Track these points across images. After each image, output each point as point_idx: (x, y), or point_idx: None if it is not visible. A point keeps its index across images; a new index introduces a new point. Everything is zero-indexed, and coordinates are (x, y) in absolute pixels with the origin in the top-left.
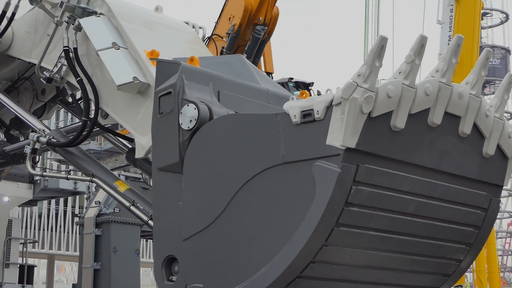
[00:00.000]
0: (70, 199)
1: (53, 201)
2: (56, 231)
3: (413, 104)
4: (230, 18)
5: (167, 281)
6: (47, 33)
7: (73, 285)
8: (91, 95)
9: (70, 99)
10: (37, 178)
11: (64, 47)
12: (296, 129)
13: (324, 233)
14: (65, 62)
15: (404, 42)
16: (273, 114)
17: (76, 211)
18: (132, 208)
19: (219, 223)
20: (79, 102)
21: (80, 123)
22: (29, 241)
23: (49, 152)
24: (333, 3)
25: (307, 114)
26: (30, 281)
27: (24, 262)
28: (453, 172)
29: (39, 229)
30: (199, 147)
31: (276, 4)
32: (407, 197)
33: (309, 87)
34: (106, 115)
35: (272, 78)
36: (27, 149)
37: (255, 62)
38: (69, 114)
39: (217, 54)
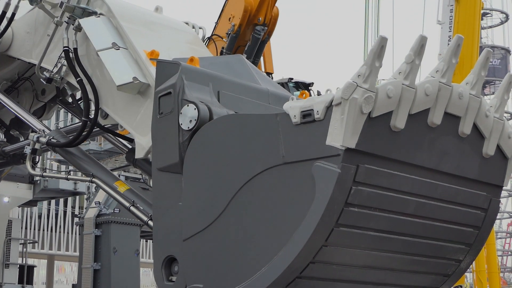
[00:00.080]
0: (70, 199)
1: (53, 201)
2: (56, 231)
3: (413, 104)
4: (230, 18)
5: (167, 281)
6: (47, 33)
7: (73, 285)
8: (91, 95)
9: (70, 99)
10: (37, 178)
11: (64, 47)
12: (296, 129)
13: (324, 233)
14: (65, 63)
15: (404, 42)
16: (273, 114)
17: (76, 212)
18: (132, 208)
19: (219, 223)
20: (79, 102)
21: (80, 123)
22: (29, 241)
23: (49, 153)
24: (333, 3)
25: (307, 115)
26: (30, 281)
27: (24, 262)
28: (453, 172)
29: (39, 230)
30: (199, 147)
31: (276, 4)
32: (407, 197)
33: (309, 87)
34: (106, 115)
35: (272, 78)
36: (27, 150)
37: (255, 62)
38: (69, 115)
39: (217, 55)
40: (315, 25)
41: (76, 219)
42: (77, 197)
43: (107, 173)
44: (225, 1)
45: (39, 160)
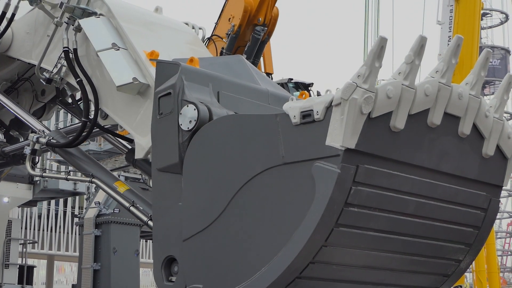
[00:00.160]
0: (69, 199)
1: (52, 201)
2: (55, 231)
3: (412, 104)
4: (229, 18)
5: (167, 281)
6: (47, 33)
7: (73, 285)
8: (90, 96)
9: (69, 100)
10: (37, 178)
11: (63, 48)
12: (296, 130)
13: (323, 234)
14: (65, 63)
15: (403, 42)
16: (273, 114)
17: (76, 212)
18: (131, 208)
19: (219, 223)
20: (78, 102)
21: (80, 123)
22: (28, 241)
23: (48, 153)
24: (333, 3)
25: (306, 115)
26: (29, 281)
27: (24, 262)
28: (453, 172)
29: (38, 230)
30: (199, 147)
31: (276, 5)
32: (407, 197)
33: (309, 88)
34: (105, 116)
35: (271, 78)
36: (27, 150)
37: (255, 62)
38: (69, 115)
39: (216, 55)
40: (315, 25)
41: (76, 219)
42: (77, 197)
43: (106, 173)
44: (225, 2)
45: (38, 160)
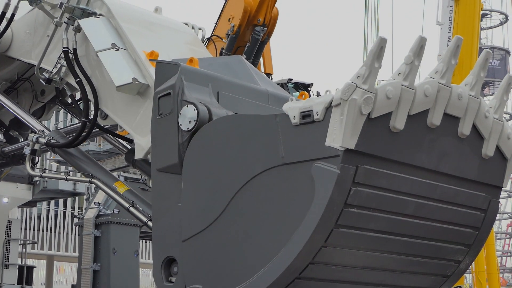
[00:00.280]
0: (69, 200)
1: (52, 202)
2: (55, 232)
3: (412, 105)
4: (229, 19)
5: (167, 282)
6: (47, 34)
7: (72, 286)
8: (90, 96)
9: (69, 100)
10: (37, 179)
11: (63, 48)
12: (296, 130)
13: (323, 234)
14: (65, 63)
15: (403, 43)
16: (273, 115)
17: (76, 212)
18: (131, 209)
19: (219, 224)
20: (78, 103)
21: (80, 124)
22: (28, 242)
23: (48, 153)
24: (333, 3)
25: (306, 115)
26: (29, 282)
27: (24, 263)
28: (452, 173)
29: (38, 230)
30: (199, 148)
31: (275, 5)
32: (406, 198)
33: (309, 88)
34: (105, 116)
35: (271, 79)
36: (27, 150)
37: (255, 63)
38: (69, 115)
39: (216, 55)
40: (315, 25)
41: (75, 220)
42: (77, 197)
43: (106, 173)
44: (225, 2)
45: (38, 160)
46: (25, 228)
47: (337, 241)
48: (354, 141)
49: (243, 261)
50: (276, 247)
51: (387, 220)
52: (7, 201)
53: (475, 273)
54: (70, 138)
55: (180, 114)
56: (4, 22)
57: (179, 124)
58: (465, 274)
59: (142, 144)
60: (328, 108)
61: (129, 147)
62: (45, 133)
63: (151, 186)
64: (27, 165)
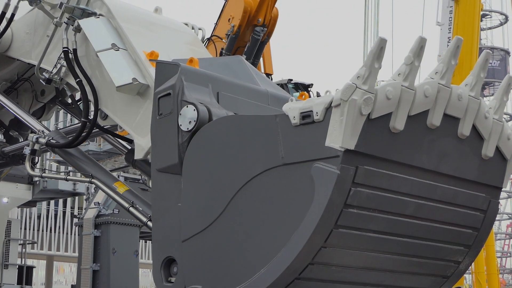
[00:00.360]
0: (69, 200)
1: (52, 202)
2: (55, 232)
3: (412, 105)
4: (229, 19)
5: (166, 282)
6: (47, 34)
7: (72, 286)
8: (90, 96)
9: (69, 100)
10: (36, 179)
11: (63, 48)
12: (295, 131)
13: (323, 235)
14: (65, 63)
15: (403, 43)
16: (272, 115)
17: (75, 212)
18: (131, 209)
19: (218, 224)
20: (78, 103)
21: (80, 124)
22: (28, 242)
23: (48, 153)
24: (333, 3)
25: (306, 116)
26: (29, 282)
27: (23, 263)
28: (452, 174)
29: (38, 230)
30: (198, 148)
31: (275, 5)
32: (406, 198)
33: (309, 89)
34: (105, 116)
35: (271, 79)
36: (27, 150)
37: (255, 63)
38: (69, 115)
39: (216, 55)
40: (315, 25)
41: (75, 220)
42: (76, 197)
43: (106, 174)
44: (225, 2)
45: (38, 160)
46: (25, 228)
47: (336, 242)
48: (354, 142)
49: (243, 262)
50: (276, 248)
51: (386, 220)
52: (7, 201)
53: (475, 273)
54: (70, 138)
55: (180, 114)
56: (4, 22)
57: (179, 124)
58: (464, 275)
59: (142, 144)
60: (328, 109)
61: (129, 147)
62: (45, 133)
63: (151, 186)
64: (27, 165)
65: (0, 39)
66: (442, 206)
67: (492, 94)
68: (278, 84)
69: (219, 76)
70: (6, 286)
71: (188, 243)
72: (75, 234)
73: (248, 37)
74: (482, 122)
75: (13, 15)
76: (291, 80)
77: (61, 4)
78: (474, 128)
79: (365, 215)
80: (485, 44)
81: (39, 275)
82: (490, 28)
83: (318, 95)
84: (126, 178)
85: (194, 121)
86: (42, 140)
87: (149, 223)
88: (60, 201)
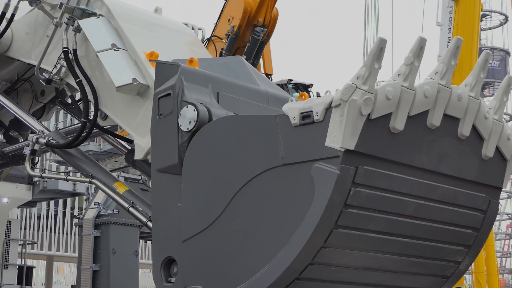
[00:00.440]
0: (69, 200)
1: (52, 202)
2: (55, 232)
3: (412, 106)
4: (229, 19)
5: (166, 282)
6: (47, 34)
7: (72, 286)
8: (90, 97)
9: (69, 100)
10: (36, 179)
11: (63, 48)
12: (295, 131)
13: (323, 235)
14: (65, 64)
15: (403, 43)
16: (272, 115)
17: (75, 212)
18: (131, 209)
19: (218, 224)
20: (78, 103)
21: (80, 124)
22: (28, 242)
23: (48, 153)
24: (333, 3)
25: (306, 116)
26: (29, 282)
27: (23, 263)
28: (452, 174)
29: (38, 230)
30: (198, 148)
31: (275, 5)
32: (406, 199)
33: (308, 89)
34: (105, 117)
35: (271, 79)
36: (26, 150)
37: (254, 63)
38: (69, 116)
39: (216, 56)
40: (315, 25)
41: (75, 220)
42: (76, 198)
43: (106, 174)
44: (225, 2)
45: (38, 161)
46: (25, 228)
47: (336, 242)
48: (354, 142)
49: (243, 262)
50: (275, 248)
51: (386, 220)
52: (7, 201)
53: (475, 274)
54: (70, 138)
55: (180, 114)
56: (4, 23)
57: (179, 124)
58: (464, 275)
59: (142, 145)
60: (328, 109)
61: (129, 148)
62: (45, 134)
63: (151, 186)
64: (27, 165)
65: (0, 39)
66: (442, 206)
67: (492, 94)
68: (278, 85)
69: (219, 76)
70: (6, 286)
71: (188, 243)
72: (75, 234)
73: (248, 37)
74: (482, 122)
75: (13, 15)
76: (291, 80)
77: (61, 4)
78: (474, 128)
79: (365, 215)
80: (485, 44)
81: (39, 275)
82: (490, 28)
83: (318, 95)
84: (126, 178)
85: (194, 121)
86: (42, 140)
87: (149, 224)
88: (60, 201)
